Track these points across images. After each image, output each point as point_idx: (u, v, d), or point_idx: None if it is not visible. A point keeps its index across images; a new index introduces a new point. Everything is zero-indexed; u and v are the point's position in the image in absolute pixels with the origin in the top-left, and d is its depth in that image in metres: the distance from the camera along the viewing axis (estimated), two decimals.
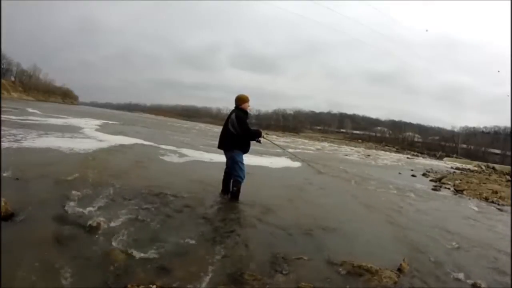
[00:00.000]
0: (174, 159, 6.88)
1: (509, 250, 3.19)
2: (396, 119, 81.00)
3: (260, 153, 9.46)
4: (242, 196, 3.82)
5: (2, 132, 6.24)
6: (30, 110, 19.96)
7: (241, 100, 3.79)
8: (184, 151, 8.36)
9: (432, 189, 7.75)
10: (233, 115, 3.70)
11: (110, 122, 19.57)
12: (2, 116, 9.92)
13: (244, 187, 3.85)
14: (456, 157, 49.49)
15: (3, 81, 54.84)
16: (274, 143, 4.73)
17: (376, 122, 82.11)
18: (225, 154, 3.82)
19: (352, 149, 33.00)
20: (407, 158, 30.46)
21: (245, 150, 3.83)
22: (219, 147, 3.84)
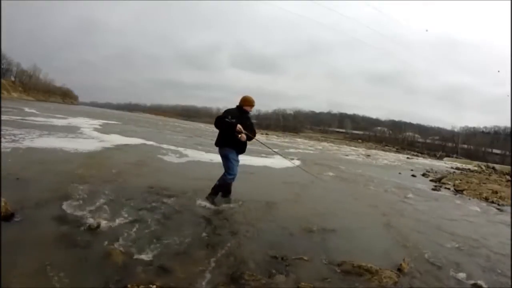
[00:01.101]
0: (174, 159, 6.88)
1: (508, 250, 3.19)
2: (396, 119, 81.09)
3: (261, 154, 9.46)
4: (242, 196, 3.82)
5: (2, 132, 6.24)
6: (29, 110, 19.96)
7: (245, 102, 3.71)
8: (184, 151, 8.36)
9: (432, 189, 7.75)
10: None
11: (110, 122, 19.57)
12: (2, 116, 9.92)
13: (245, 187, 3.85)
14: (456, 157, 49.47)
15: (3, 81, 54.84)
16: (261, 142, 4.30)
17: (376, 122, 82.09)
18: (219, 151, 3.76)
19: (352, 149, 33.00)
20: (407, 158, 30.45)
21: (239, 149, 3.68)
22: (215, 144, 3.79)
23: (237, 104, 3.76)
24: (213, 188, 3.67)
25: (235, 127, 3.46)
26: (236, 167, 3.70)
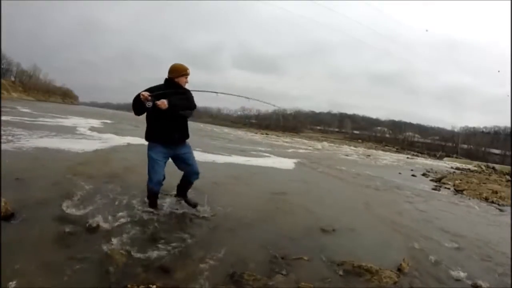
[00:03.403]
0: None
1: (509, 250, 3.19)
2: (396, 119, 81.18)
3: (263, 153, 9.46)
4: (242, 196, 3.81)
5: (2, 132, 6.24)
6: (27, 111, 19.95)
7: (172, 71, 2.77)
8: None
9: (432, 189, 7.75)
10: None
11: (110, 122, 19.56)
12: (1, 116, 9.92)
13: (245, 187, 3.83)
14: (456, 157, 49.50)
15: (3, 81, 54.88)
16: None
17: (376, 122, 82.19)
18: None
19: (352, 149, 32.99)
20: (407, 158, 30.45)
21: (165, 137, 2.76)
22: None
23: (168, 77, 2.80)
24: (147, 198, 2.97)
25: (138, 97, 2.55)
26: (158, 168, 2.77)
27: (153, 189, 2.86)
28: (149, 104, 2.55)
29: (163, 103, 2.52)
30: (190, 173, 3.02)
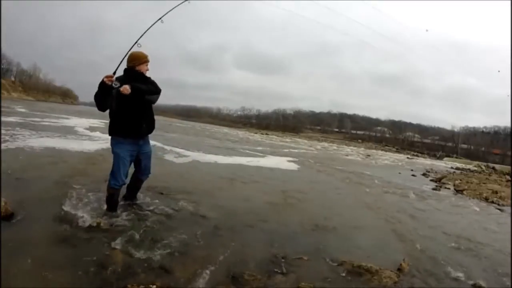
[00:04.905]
0: (174, 159, 6.88)
1: (508, 250, 3.19)
2: (396, 119, 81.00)
3: (263, 153, 9.45)
4: (241, 197, 3.81)
5: (2, 132, 6.25)
6: (30, 111, 19.95)
7: (132, 60, 2.66)
8: (184, 151, 8.36)
9: (432, 189, 7.74)
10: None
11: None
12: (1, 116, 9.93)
13: (243, 188, 3.83)
14: (456, 157, 49.43)
15: (3, 81, 54.91)
16: None
17: (376, 122, 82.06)
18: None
19: (352, 149, 32.97)
20: (407, 158, 30.42)
21: (131, 129, 2.61)
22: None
23: (128, 66, 2.68)
24: (108, 203, 2.72)
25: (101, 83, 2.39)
26: (124, 168, 2.62)
27: (114, 188, 2.65)
28: (116, 83, 2.39)
29: (126, 88, 2.40)
30: (145, 171, 2.92)
